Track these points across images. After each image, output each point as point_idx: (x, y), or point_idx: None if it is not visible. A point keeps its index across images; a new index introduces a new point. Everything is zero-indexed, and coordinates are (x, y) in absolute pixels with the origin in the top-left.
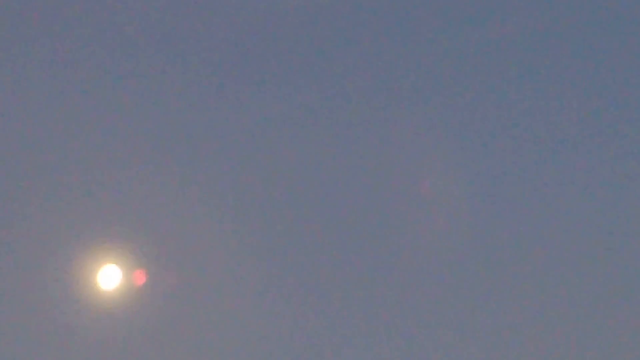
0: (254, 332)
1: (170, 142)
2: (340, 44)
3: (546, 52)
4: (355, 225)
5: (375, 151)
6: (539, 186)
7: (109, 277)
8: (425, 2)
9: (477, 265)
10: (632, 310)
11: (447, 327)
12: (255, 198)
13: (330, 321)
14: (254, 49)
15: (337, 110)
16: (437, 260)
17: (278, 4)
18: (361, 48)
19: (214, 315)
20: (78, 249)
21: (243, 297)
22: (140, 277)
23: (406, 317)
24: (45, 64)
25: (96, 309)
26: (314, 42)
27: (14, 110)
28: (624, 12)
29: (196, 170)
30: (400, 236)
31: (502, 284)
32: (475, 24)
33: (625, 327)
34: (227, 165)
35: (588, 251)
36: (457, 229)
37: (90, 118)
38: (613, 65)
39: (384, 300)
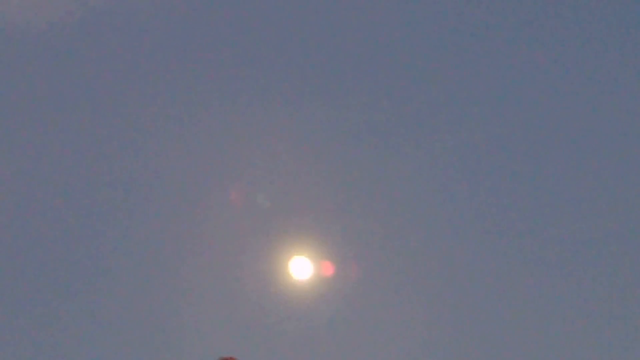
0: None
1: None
2: None
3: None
4: None
5: None
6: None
7: (300, 268)
8: None
9: None
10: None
11: None
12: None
13: None
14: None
15: None
16: None
17: None
18: None
19: (396, 308)
20: (271, 241)
21: (421, 291)
22: (328, 269)
23: None
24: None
25: (289, 297)
26: None
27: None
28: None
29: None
30: None
31: None
32: None
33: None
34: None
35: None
36: None
37: None
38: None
39: None
